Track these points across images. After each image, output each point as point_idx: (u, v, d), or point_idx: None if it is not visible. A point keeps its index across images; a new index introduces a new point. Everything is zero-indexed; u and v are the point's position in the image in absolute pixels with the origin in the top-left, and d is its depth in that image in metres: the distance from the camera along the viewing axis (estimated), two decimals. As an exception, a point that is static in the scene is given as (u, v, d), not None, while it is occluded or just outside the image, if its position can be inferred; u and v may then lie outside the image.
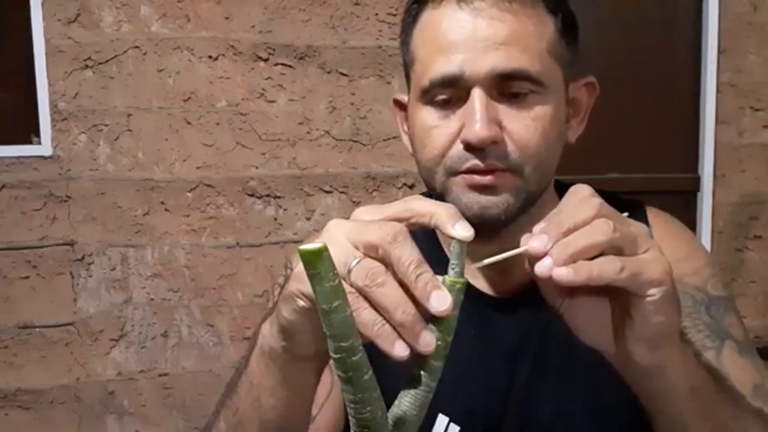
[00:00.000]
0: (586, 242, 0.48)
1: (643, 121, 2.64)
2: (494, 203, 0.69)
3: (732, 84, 2.63)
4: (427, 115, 0.71)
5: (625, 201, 0.82)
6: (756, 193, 2.66)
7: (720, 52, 2.61)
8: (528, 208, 0.72)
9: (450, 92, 0.69)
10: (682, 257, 0.78)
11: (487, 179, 0.69)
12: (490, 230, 0.71)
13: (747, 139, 2.65)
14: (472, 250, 0.75)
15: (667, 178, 2.69)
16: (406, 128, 0.81)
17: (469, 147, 0.68)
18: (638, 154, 2.65)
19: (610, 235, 0.48)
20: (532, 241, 0.48)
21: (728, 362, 0.73)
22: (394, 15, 2.41)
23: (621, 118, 2.48)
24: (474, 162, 0.68)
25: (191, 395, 2.43)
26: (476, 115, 0.67)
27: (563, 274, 0.47)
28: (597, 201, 0.50)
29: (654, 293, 0.49)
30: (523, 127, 0.69)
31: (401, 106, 0.82)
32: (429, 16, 0.72)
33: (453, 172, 0.70)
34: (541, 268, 0.47)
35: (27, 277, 2.31)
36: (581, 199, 0.51)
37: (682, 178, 2.70)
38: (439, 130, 0.70)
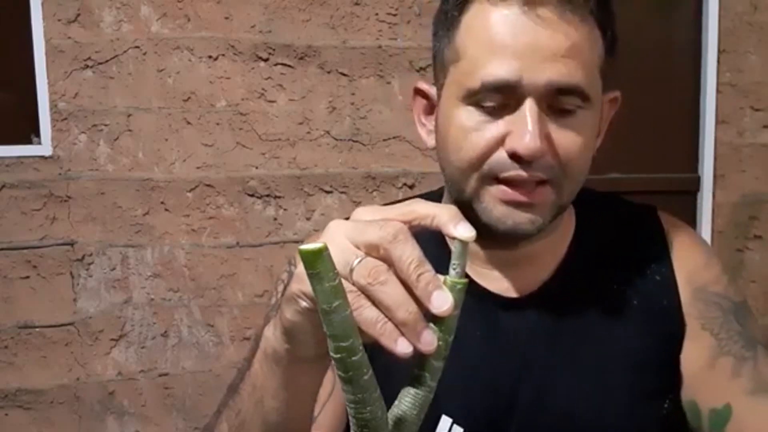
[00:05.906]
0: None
1: (644, 121, 2.64)
2: (529, 220, 0.69)
3: (732, 84, 2.63)
4: (469, 117, 0.68)
5: (638, 207, 0.82)
6: (756, 193, 2.66)
7: (720, 52, 2.61)
8: (554, 221, 0.73)
9: (499, 98, 0.67)
10: (702, 265, 0.77)
11: (525, 198, 0.68)
12: (514, 241, 0.72)
13: (747, 139, 2.65)
14: (488, 252, 0.76)
15: (668, 178, 2.69)
16: (424, 120, 0.78)
17: (515, 156, 0.66)
18: (638, 154, 2.65)
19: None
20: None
21: (766, 369, 0.73)
22: (394, 15, 2.41)
23: (621, 118, 2.46)
24: (517, 172, 0.67)
25: (191, 395, 2.42)
26: (529, 126, 0.65)
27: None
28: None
29: None
30: (570, 142, 0.68)
31: (423, 95, 0.78)
32: (481, 12, 0.67)
33: (491, 178, 0.68)
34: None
35: (27, 277, 2.31)
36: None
37: (682, 178, 2.70)
38: (480, 134, 0.68)
